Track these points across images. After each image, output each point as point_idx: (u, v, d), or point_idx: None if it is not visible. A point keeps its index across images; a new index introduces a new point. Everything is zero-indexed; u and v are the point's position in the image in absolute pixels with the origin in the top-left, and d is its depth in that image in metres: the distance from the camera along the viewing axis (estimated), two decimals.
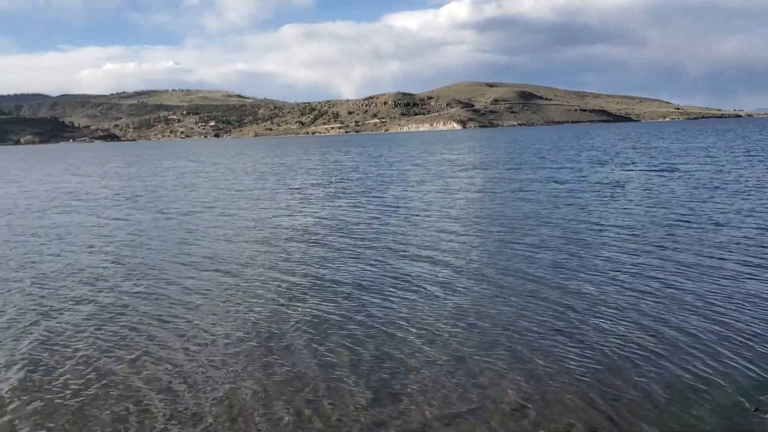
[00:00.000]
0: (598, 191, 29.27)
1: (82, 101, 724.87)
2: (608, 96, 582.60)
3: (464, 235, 19.32)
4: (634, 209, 23.15)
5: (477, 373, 8.86)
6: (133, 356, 9.95)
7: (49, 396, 8.62)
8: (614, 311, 11.32)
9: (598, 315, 11.15)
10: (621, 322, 10.76)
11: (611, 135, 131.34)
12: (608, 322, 10.79)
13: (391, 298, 12.56)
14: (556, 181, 34.72)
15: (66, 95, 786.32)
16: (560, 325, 10.67)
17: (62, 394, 8.64)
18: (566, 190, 30.57)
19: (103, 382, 9.00)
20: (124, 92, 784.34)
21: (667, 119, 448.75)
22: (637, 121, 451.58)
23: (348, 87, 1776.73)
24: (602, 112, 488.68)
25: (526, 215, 22.66)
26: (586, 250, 16.28)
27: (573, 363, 9.10)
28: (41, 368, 9.59)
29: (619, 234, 18.39)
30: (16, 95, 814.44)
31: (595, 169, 41.90)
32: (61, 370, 9.46)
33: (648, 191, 28.52)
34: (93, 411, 8.11)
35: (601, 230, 19.13)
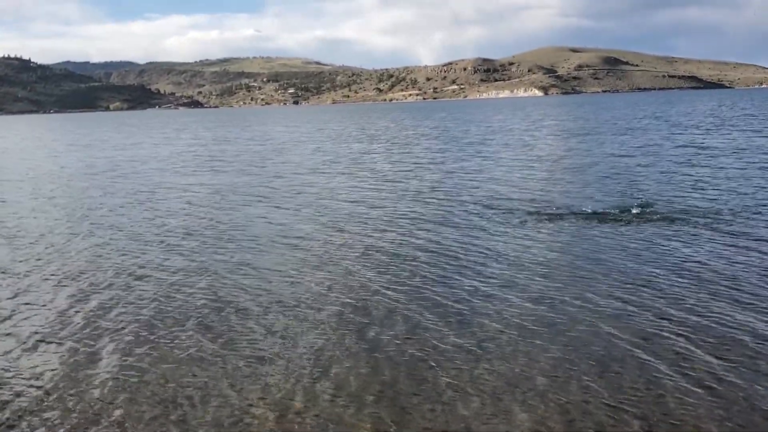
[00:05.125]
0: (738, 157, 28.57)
1: (168, 68, 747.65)
2: (699, 61, 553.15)
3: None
4: None
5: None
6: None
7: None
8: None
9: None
10: None
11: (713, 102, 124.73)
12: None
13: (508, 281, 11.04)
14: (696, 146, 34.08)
15: (152, 63, 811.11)
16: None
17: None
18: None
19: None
20: (207, 60, 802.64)
21: (764, 85, 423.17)
22: (730, 87, 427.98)
23: (427, 53, 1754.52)
24: (692, 78, 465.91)
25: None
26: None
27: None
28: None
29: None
30: (105, 63, 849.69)
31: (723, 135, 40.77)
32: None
33: None
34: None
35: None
